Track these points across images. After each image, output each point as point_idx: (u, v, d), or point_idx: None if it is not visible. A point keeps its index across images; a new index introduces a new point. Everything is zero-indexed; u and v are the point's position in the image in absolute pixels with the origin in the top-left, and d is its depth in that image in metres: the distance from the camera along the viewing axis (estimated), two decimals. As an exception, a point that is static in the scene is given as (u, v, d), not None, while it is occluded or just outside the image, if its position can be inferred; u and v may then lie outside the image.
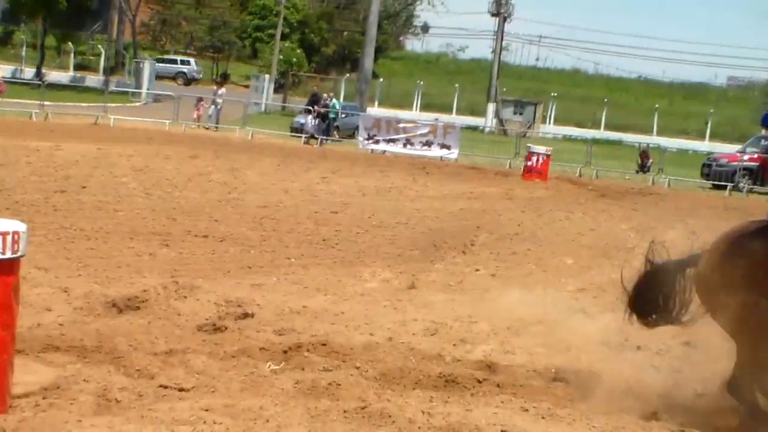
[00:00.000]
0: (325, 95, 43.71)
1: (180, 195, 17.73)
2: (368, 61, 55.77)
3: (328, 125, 39.18)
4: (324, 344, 7.82)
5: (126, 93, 50.25)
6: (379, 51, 64.97)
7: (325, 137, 37.91)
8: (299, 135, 37.85)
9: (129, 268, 10.69)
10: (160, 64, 63.82)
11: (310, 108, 39.59)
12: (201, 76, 69.21)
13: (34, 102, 37.39)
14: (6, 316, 5.79)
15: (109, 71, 60.87)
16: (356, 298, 10.08)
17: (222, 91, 42.05)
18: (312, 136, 37.66)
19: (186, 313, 8.65)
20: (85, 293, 8.97)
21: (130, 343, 7.44)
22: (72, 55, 63.18)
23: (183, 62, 69.54)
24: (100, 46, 64.42)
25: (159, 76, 60.28)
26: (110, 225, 13.71)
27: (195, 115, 39.66)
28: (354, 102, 51.25)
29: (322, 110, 39.58)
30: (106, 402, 6.10)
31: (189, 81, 65.75)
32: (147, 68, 54.77)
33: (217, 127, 38.95)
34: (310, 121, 38.84)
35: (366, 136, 35.73)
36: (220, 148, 28.52)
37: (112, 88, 49.84)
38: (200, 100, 41.14)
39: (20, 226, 5.82)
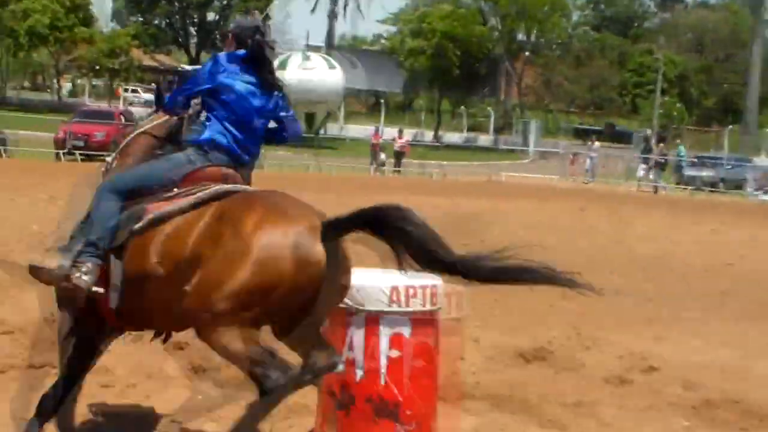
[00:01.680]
0: (661, 144, 43.27)
1: (572, 248, 17.49)
2: (752, 112, 53.17)
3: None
4: (737, 402, 7.22)
5: (514, 151, 51.26)
6: (764, 101, 61.44)
7: (660, 184, 36.90)
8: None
9: (531, 320, 10.60)
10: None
11: (646, 156, 39.11)
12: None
13: (433, 162, 39.09)
14: (430, 365, 5.83)
15: (498, 131, 62.48)
16: (766, 354, 9.28)
17: (596, 145, 41.92)
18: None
19: (590, 364, 8.38)
20: (493, 343, 8.97)
21: (539, 393, 7.30)
22: (465, 117, 65.58)
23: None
24: (489, 108, 66.35)
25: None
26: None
27: (569, 170, 39.85)
28: (738, 153, 48.88)
29: (658, 158, 38.65)
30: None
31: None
32: (533, 127, 55.65)
33: (589, 181, 38.74)
34: (641, 167, 38.36)
35: (755, 187, 33.87)
36: (605, 200, 28.11)
37: (502, 146, 50.98)
38: (575, 155, 41.34)
39: (437, 281, 5.70)
